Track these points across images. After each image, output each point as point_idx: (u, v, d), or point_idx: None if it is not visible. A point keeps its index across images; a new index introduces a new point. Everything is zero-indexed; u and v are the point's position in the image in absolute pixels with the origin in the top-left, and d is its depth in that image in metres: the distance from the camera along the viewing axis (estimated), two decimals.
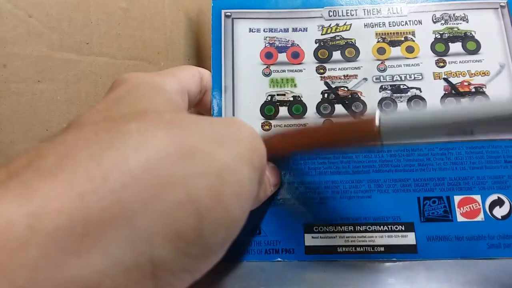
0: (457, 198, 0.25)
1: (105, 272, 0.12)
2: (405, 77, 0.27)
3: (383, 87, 0.27)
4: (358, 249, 0.25)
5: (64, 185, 0.12)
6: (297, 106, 0.28)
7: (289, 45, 0.29)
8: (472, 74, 0.27)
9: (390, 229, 0.25)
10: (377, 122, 0.19)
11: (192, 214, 0.13)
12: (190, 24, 0.35)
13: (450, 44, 0.28)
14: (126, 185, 0.12)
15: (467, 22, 0.28)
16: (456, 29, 0.28)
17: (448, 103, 0.27)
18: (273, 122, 0.27)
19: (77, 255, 0.11)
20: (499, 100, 0.16)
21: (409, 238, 0.24)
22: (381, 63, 0.28)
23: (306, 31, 0.29)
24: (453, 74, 0.27)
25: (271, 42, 0.29)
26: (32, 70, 0.23)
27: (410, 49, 0.28)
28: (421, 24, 0.28)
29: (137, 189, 0.13)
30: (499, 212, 0.24)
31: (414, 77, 0.27)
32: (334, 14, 0.29)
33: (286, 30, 0.29)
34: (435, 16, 0.28)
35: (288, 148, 0.24)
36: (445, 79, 0.27)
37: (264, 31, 0.29)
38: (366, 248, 0.24)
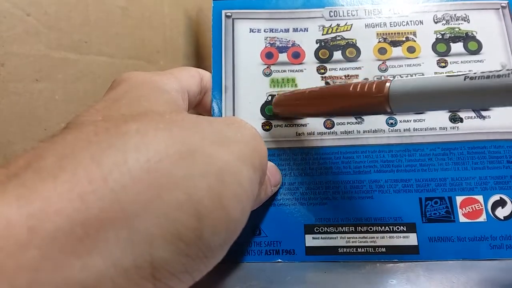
0: (459, 199, 0.25)
1: (105, 274, 0.12)
2: (407, 77, 0.27)
3: None
4: (359, 250, 0.24)
5: (64, 186, 0.12)
6: None
7: (290, 45, 0.29)
8: None
9: (391, 230, 0.25)
10: (387, 86, 0.18)
11: (192, 215, 0.13)
12: (190, 23, 0.35)
13: (451, 44, 0.28)
14: (125, 186, 0.12)
15: (469, 22, 0.28)
16: (458, 29, 0.28)
17: None
18: (273, 122, 0.27)
19: (77, 257, 0.11)
20: None
21: (411, 239, 0.24)
22: (382, 63, 0.28)
23: (307, 31, 0.29)
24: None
25: (271, 42, 0.29)
26: (30, 69, 0.23)
27: (411, 49, 0.28)
28: (422, 24, 0.28)
29: (137, 190, 0.12)
30: (501, 212, 0.24)
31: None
32: (335, 14, 0.29)
33: (287, 30, 0.29)
34: (436, 16, 0.28)
35: (297, 107, 0.24)
36: None
37: (264, 31, 0.29)
38: (367, 249, 0.24)
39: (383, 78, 0.27)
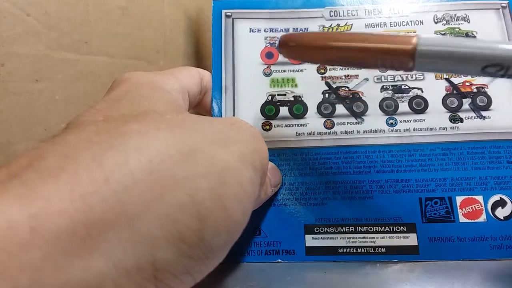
0: (459, 199, 0.25)
1: (107, 274, 0.12)
2: (407, 77, 0.27)
3: (385, 87, 0.27)
4: (359, 250, 0.24)
5: (65, 187, 0.12)
6: (297, 106, 0.27)
7: None
8: None
9: (391, 230, 0.25)
10: (414, 40, 0.17)
11: (194, 216, 0.13)
12: (190, 23, 0.35)
13: None
14: (127, 186, 0.12)
15: (469, 22, 0.28)
16: (458, 29, 0.28)
17: (450, 103, 0.27)
18: (273, 122, 0.27)
19: (79, 257, 0.11)
20: None
21: (411, 239, 0.24)
22: None
23: (307, 31, 0.29)
24: (455, 75, 0.27)
25: (271, 42, 0.29)
26: (30, 69, 0.23)
27: None
28: (422, 24, 0.28)
29: (138, 190, 0.12)
30: (501, 213, 0.24)
31: (416, 77, 0.27)
32: (335, 14, 0.29)
33: (287, 30, 0.29)
34: (436, 17, 0.28)
35: (317, 50, 0.21)
36: (447, 79, 0.27)
37: (264, 31, 0.29)
38: (367, 249, 0.24)
39: (383, 77, 0.28)
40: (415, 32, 0.28)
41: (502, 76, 0.16)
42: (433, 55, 0.17)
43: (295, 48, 0.21)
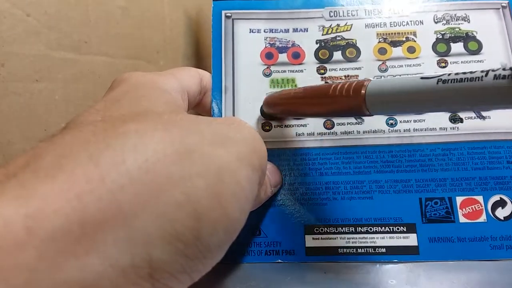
0: (459, 199, 0.25)
1: (103, 274, 0.12)
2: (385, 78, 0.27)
3: None
4: (359, 250, 0.24)
5: (62, 186, 0.12)
6: None
7: (290, 46, 0.29)
8: None
9: (391, 230, 0.24)
10: (363, 89, 0.18)
11: (190, 215, 0.13)
12: (190, 23, 0.35)
13: (451, 44, 0.28)
14: (123, 186, 0.12)
15: (469, 22, 0.28)
16: (458, 29, 0.28)
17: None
18: (273, 122, 0.27)
19: (74, 257, 0.11)
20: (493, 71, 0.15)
21: (411, 240, 0.24)
22: (382, 63, 0.28)
23: (307, 31, 0.29)
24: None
25: (271, 42, 0.29)
26: (30, 69, 0.23)
27: (411, 50, 0.28)
28: (422, 24, 0.28)
29: (134, 190, 0.12)
30: (501, 213, 0.24)
31: None
32: (335, 15, 0.29)
33: (287, 31, 0.29)
34: (436, 16, 0.28)
35: (284, 106, 0.25)
36: None
37: (264, 31, 0.29)
38: (367, 249, 0.24)
39: (382, 78, 0.27)
40: (414, 32, 0.28)
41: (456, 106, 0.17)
42: (382, 100, 0.18)
43: (267, 105, 0.26)
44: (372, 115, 0.19)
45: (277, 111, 0.26)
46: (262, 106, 0.27)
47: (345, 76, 0.28)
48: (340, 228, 0.25)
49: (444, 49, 0.28)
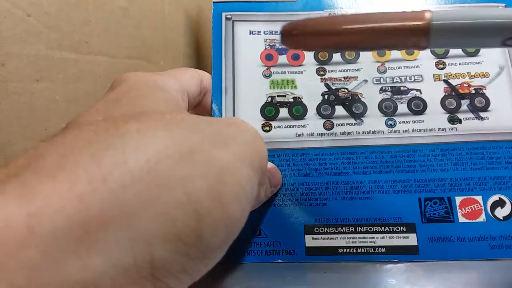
0: (458, 199, 0.25)
1: (104, 273, 0.12)
2: (405, 78, 0.27)
3: (384, 88, 0.27)
4: (359, 250, 0.24)
5: (63, 186, 0.12)
6: (297, 108, 0.27)
7: None
8: (472, 76, 0.27)
9: (391, 230, 0.25)
10: (428, 16, 0.16)
11: (191, 215, 0.13)
12: (190, 23, 0.35)
13: None
14: (125, 185, 0.12)
15: None
16: None
17: (448, 104, 0.27)
18: (273, 123, 0.27)
19: (76, 256, 0.11)
20: None
21: (411, 239, 0.24)
22: (381, 64, 0.28)
23: None
24: (453, 76, 0.27)
25: (271, 44, 0.29)
26: (31, 69, 0.23)
27: (409, 51, 0.28)
28: None
29: (136, 189, 0.12)
30: (500, 213, 0.24)
31: (414, 79, 0.27)
32: None
33: None
34: None
35: (324, 36, 0.19)
36: (445, 81, 0.27)
37: (264, 33, 0.29)
38: (367, 249, 0.24)
39: (381, 79, 0.28)
40: None
41: None
42: (449, 30, 0.16)
43: (300, 36, 0.19)
44: (427, 48, 0.17)
45: (309, 41, 0.20)
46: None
47: (344, 77, 0.28)
48: (340, 228, 0.25)
49: (442, 51, 0.28)
